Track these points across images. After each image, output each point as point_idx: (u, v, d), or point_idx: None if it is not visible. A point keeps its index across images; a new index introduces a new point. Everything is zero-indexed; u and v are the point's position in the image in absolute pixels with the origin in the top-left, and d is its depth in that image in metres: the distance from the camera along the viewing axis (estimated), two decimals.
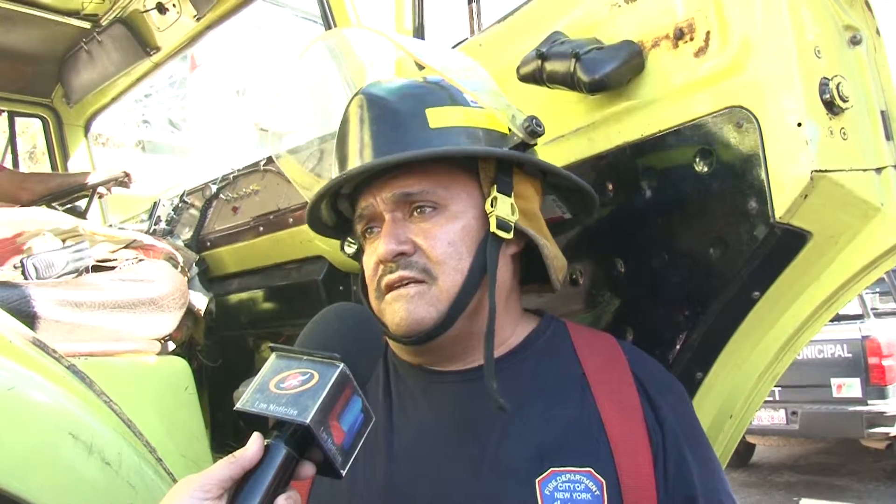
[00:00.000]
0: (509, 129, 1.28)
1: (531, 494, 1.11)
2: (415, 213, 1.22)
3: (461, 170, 1.24)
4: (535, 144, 1.29)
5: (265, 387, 0.96)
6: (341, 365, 0.97)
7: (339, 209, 1.41)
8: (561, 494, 1.10)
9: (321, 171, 1.55)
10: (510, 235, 1.23)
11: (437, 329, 1.20)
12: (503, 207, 1.22)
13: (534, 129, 1.24)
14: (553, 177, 1.34)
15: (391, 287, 1.21)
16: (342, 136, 1.30)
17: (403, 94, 1.27)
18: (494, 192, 1.23)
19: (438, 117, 1.23)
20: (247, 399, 0.95)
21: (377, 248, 1.22)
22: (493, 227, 1.21)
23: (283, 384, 0.96)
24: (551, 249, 1.29)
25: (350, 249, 1.41)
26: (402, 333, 1.21)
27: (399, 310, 1.20)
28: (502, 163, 1.26)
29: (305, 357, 0.99)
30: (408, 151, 1.19)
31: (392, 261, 1.20)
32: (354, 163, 1.24)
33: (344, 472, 0.96)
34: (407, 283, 1.20)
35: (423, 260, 1.20)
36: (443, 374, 1.28)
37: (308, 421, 0.91)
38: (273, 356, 1.01)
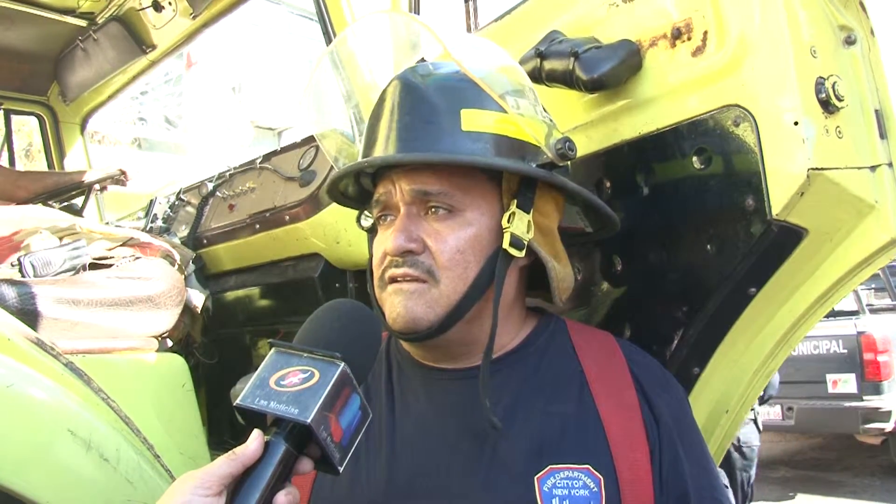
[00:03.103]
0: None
1: (530, 492, 1.12)
2: (430, 212, 1.22)
3: (484, 177, 1.24)
4: (564, 166, 1.27)
5: (265, 383, 0.97)
6: (342, 364, 0.97)
7: (361, 182, 1.42)
8: (559, 491, 1.12)
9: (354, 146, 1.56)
10: (522, 254, 1.23)
11: (433, 331, 1.21)
12: (519, 225, 1.22)
13: (565, 153, 1.22)
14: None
15: (394, 280, 1.22)
16: (375, 117, 1.30)
17: (443, 86, 1.26)
18: (513, 208, 1.23)
19: (472, 120, 1.22)
20: (246, 395, 0.96)
21: (387, 240, 1.23)
22: (505, 244, 1.21)
23: (284, 381, 0.96)
24: (559, 270, 1.29)
25: (366, 223, 1.41)
26: (399, 329, 1.22)
27: (397, 304, 1.21)
28: (527, 177, 1.25)
29: (306, 354, 0.99)
30: (432, 153, 1.20)
31: (399, 256, 1.21)
32: (382, 146, 1.25)
33: (341, 469, 0.97)
34: (409, 280, 1.21)
35: (429, 261, 1.20)
36: (444, 371, 1.29)
37: (309, 420, 0.91)
38: (272, 352, 1.01)
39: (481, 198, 1.23)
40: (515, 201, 1.23)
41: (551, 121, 1.30)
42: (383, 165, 1.27)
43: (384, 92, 1.30)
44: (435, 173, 1.21)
